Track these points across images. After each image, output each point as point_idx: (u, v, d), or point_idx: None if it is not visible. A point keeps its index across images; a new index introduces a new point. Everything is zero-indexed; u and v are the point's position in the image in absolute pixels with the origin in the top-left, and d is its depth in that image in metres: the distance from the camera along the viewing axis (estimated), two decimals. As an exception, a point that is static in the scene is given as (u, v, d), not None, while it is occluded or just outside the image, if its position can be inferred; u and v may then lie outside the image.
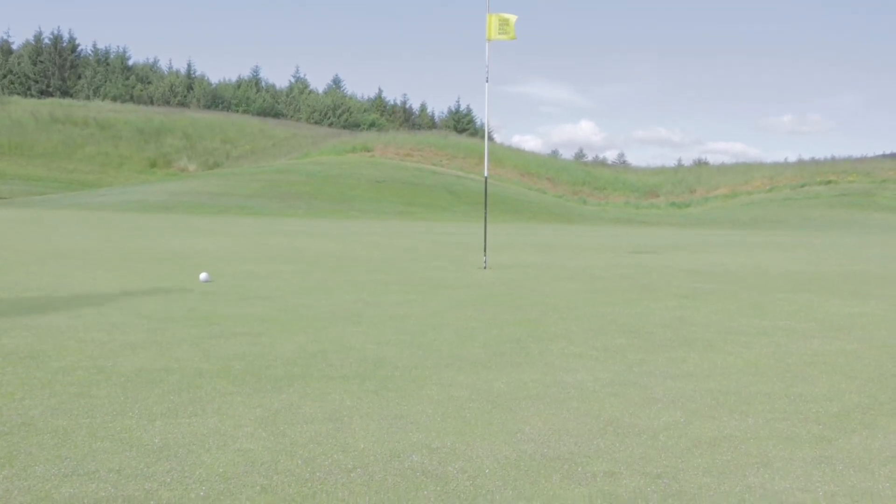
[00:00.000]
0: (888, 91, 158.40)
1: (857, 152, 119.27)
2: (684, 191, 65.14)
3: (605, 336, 6.68)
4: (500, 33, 13.08)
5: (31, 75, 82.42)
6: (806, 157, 74.58)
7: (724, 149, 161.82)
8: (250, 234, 21.71)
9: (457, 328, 6.86)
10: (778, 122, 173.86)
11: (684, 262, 15.78)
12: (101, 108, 73.10)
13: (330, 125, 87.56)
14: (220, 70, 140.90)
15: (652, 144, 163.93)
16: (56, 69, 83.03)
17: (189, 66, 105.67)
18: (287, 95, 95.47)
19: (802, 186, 61.62)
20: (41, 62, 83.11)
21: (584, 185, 66.79)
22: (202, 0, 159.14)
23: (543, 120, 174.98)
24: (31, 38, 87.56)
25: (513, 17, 13.07)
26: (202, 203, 39.87)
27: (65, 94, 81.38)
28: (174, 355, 5.43)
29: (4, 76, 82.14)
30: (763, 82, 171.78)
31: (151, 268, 11.31)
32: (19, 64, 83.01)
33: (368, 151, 64.12)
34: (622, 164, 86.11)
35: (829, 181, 61.39)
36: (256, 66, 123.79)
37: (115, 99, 79.98)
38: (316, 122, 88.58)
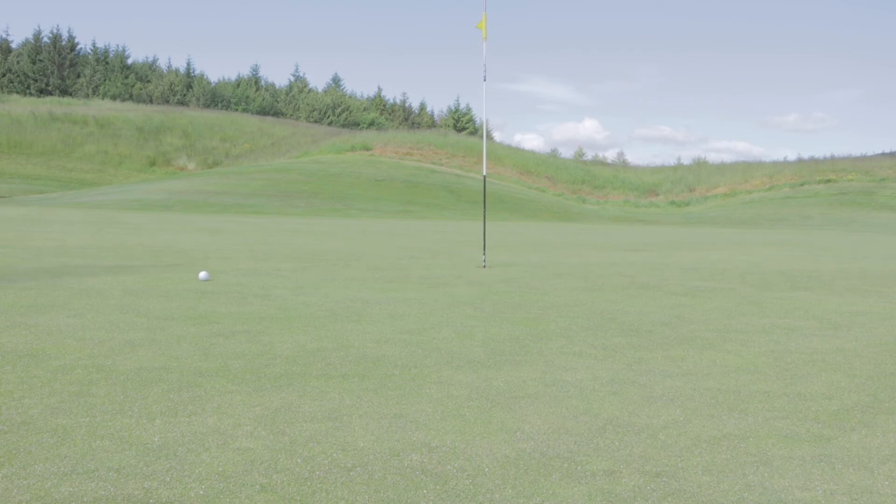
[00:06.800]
0: (890, 87, 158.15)
1: (856, 151, 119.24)
2: (684, 189, 65.18)
3: (604, 334, 6.69)
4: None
5: (31, 74, 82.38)
6: (807, 155, 74.64)
7: (727, 147, 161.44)
8: (250, 232, 21.71)
9: (456, 326, 6.86)
10: (783, 120, 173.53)
11: (683, 260, 15.79)
12: (101, 107, 73.08)
13: (329, 124, 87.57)
14: (219, 69, 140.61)
15: (655, 142, 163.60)
16: (55, 68, 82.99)
17: (188, 64, 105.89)
18: (286, 94, 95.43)
19: (802, 185, 61.66)
20: (40, 61, 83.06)
21: (583, 183, 66.82)
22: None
23: (544, 118, 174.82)
24: (30, 36, 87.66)
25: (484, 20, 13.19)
26: (201, 201, 39.87)
27: (64, 92, 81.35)
28: (173, 354, 5.43)
29: (3, 75, 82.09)
30: (768, 80, 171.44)
31: (151, 266, 11.30)
32: (18, 62, 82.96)
33: (368, 150, 64.12)
34: (621, 163, 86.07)
35: (828, 180, 61.42)
36: (256, 65, 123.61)
37: (114, 97, 79.96)
38: (315, 121, 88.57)
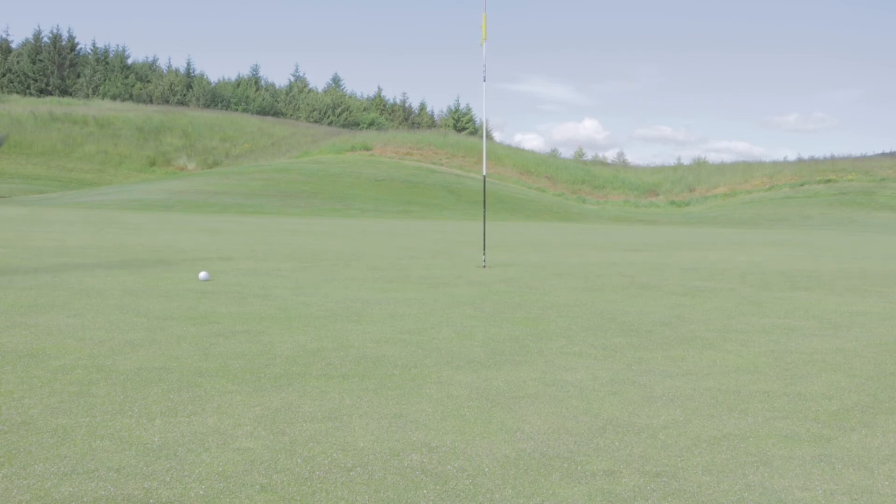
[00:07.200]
0: (890, 87, 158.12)
1: (856, 151, 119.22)
2: (684, 189, 65.20)
3: (604, 334, 6.69)
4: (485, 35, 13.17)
5: (31, 74, 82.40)
6: (807, 155, 74.66)
7: (727, 147, 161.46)
8: (250, 232, 21.71)
9: (456, 326, 6.86)
10: (783, 120, 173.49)
11: (683, 260, 15.79)
12: (101, 107, 73.11)
13: (329, 124, 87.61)
14: (219, 69, 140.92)
15: (655, 142, 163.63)
16: (55, 68, 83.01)
17: (188, 64, 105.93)
18: (286, 94, 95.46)
19: (802, 185, 61.68)
20: (40, 61, 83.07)
21: (583, 183, 66.85)
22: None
23: (544, 118, 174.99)
24: (30, 36, 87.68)
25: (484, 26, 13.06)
26: (201, 201, 39.87)
27: (64, 92, 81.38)
28: (173, 354, 5.43)
29: (3, 75, 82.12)
30: (768, 80, 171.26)
31: (150, 266, 11.30)
32: (18, 62, 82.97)
33: (368, 150, 64.13)
34: (621, 163, 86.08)
35: (828, 180, 61.44)
36: (256, 65, 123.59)
37: (114, 97, 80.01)
38: (315, 121, 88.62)
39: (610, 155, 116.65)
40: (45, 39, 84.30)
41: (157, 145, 68.13)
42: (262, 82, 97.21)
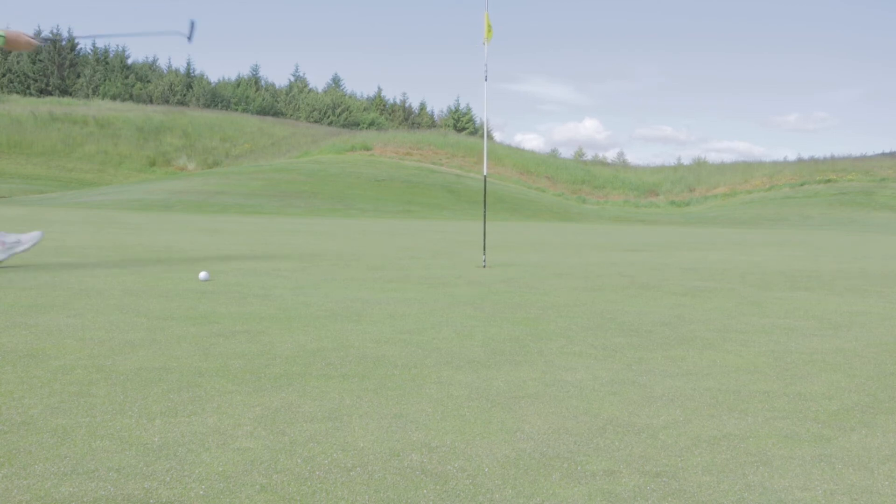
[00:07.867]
0: (890, 87, 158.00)
1: (856, 151, 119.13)
2: (684, 189, 65.19)
3: (604, 334, 6.68)
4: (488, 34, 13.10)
5: (31, 74, 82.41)
6: (807, 155, 74.58)
7: (728, 147, 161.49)
8: (250, 232, 21.70)
9: (456, 326, 6.86)
10: (783, 120, 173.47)
11: (683, 260, 15.79)
12: (101, 107, 73.10)
13: (329, 124, 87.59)
14: (219, 69, 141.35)
15: (656, 142, 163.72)
16: (55, 68, 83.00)
17: (188, 64, 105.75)
18: (286, 94, 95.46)
19: (802, 185, 61.66)
20: (40, 61, 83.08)
21: (583, 183, 66.84)
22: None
23: (545, 118, 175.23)
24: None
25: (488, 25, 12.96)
26: (202, 201, 39.86)
27: (64, 92, 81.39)
28: (173, 354, 5.42)
29: (3, 75, 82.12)
30: (768, 80, 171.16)
31: (150, 266, 11.30)
32: (18, 62, 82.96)
33: (368, 150, 64.09)
34: (621, 163, 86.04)
35: (828, 180, 61.41)
36: (256, 65, 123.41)
37: (114, 97, 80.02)
38: (315, 121, 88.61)
39: (610, 155, 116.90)
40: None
41: (157, 145, 68.11)
42: (262, 82, 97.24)
